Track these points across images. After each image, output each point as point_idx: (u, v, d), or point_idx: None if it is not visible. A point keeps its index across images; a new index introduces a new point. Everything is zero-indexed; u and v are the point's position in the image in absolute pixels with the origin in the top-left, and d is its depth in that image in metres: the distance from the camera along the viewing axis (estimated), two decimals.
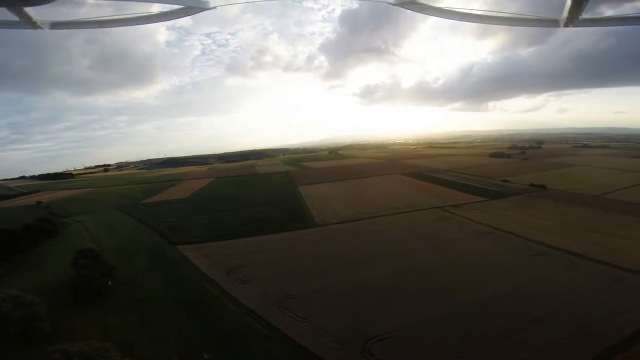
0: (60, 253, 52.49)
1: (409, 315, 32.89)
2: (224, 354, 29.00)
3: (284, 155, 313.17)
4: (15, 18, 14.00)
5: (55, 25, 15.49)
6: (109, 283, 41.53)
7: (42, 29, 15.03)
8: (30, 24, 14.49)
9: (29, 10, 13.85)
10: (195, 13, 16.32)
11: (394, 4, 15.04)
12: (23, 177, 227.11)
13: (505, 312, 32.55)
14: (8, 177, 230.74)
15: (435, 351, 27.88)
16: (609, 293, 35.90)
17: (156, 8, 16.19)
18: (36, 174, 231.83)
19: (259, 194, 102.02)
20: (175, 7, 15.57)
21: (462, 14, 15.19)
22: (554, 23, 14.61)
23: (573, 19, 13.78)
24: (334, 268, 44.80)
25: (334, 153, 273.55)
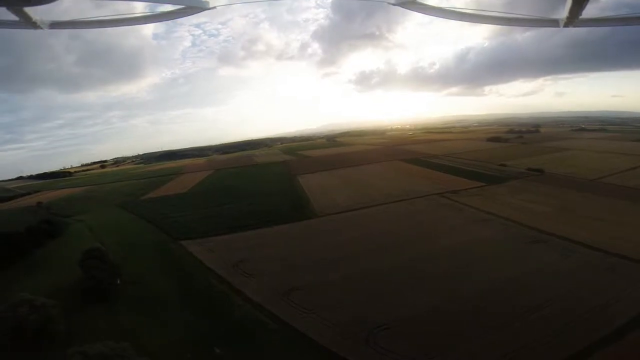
0: (65, 254, 52.99)
1: (411, 304, 33.89)
2: (234, 348, 29.95)
3: (281, 144, 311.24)
4: (15, 18, 13.99)
5: (55, 25, 15.46)
6: (118, 282, 42.24)
7: (42, 29, 14.99)
8: (30, 24, 14.47)
9: (29, 10, 13.83)
10: (195, 13, 16.27)
11: (394, 4, 15.14)
12: (21, 178, 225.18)
13: (503, 302, 33.47)
14: (5, 178, 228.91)
15: (436, 339, 28.87)
16: (604, 281, 36.79)
17: (156, 8, 16.19)
18: (33, 173, 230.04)
19: (259, 185, 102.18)
20: (175, 7, 15.56)
21: (462, 13, 15.26)
22: (554, 23, 14.73)
23: (573, 19, 13.90)
24: (336, 259, 45.63)
25: (332, 141, 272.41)
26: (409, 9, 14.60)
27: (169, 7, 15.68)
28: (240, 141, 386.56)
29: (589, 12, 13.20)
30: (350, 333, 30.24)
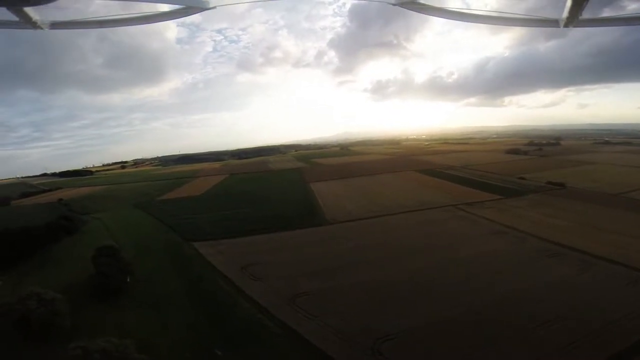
0: (80, 250, 54.36)
1: (419, 315, 32.85)
2: (235, 350, 29.72)
3: (295, 151, 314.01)
4: (15, 18, 13.99)
5: (55, 25, 15.43)
6: (127, 280, 42.85)
7: (42, 29, 14.94)
8: (30, 24, 14.43)
9: (29, 10, 13.83)
10: (195, 13, 16.20)
11: (394, 4, 15.04)
12: (45, 174, 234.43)
13: (518, 314, 32.13)
14: (30, 174, 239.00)
15: (444, 352, 27.81)
16: (624, 295, 35.11)
17: (156, 8, 16.18)
18: (57, 170, 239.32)
19: (272, 191, 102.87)
20: (175, 7, 15.55)
21: (462, 14, 15.14)
22: (554, 23, 14.52)
23: (573, 19, 13.68)
24: (344, 266, 45.02)
25: (345, 149, 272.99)
26: (409, 9, 14.50)
27: (169, 7, 15.71)
28: (255, 147, 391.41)
29: (589, 12, 12.95)
30: (355, 341, 29.49)
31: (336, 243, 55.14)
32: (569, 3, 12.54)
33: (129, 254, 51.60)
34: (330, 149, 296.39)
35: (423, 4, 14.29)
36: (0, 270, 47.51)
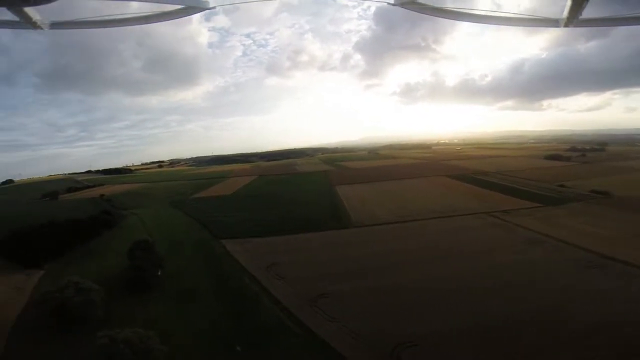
0: (118, 243, 57.59)
1: (444, 322, 31.69)
2: (255, 348, 30.23)
3: (322, 154, 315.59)
4: (16, 18, 14.32)
5: (55, 25, 15.73)
6: (159, 273, 44.83)
7: (42, 29, 15.20)
8: (30, 23, 14.70)
9: (29, 10, 14.09)
10: (195, 13, 16.52)
11: (394, 4, 14.95)
12: (89, 172, 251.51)
13: (549, 327, 30.14)
14: (76, 171, 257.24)
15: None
16: None
17: (156, 8, 16.32)
18: (100, 168, 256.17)
19: (299, 192, 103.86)
20: (176, 7, 15.69)
21: (462, 14, 14.96)
22: (554, 23, 14.20)
23: (573, 19, 13.35)
24: (368, 270, 44.44)
25: (373, 153, 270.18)
26: (409, 9, 14.35)
27: (169, 7, 15.98)
28: (283, 150, 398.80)
29: (589, 12, 12.46)
30: (374, 346, 28.99)
31: (361, 246, 54.62)
32: (569, 3, 12.11)
33: (162, 248, 54.01)
34: (358, 153, 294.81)
35: (422, 4, 14.18)
36: (46, 259, 51.21)
